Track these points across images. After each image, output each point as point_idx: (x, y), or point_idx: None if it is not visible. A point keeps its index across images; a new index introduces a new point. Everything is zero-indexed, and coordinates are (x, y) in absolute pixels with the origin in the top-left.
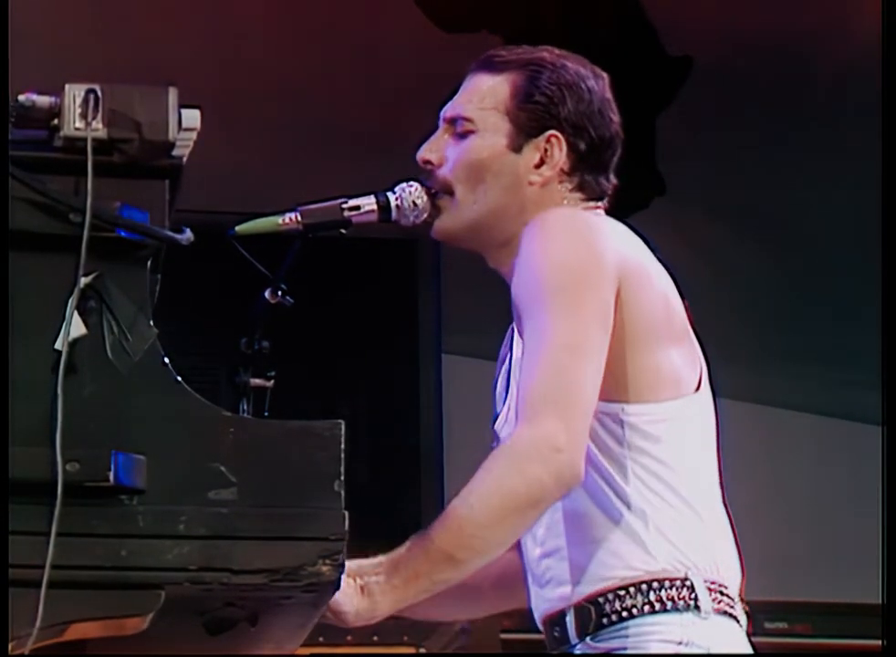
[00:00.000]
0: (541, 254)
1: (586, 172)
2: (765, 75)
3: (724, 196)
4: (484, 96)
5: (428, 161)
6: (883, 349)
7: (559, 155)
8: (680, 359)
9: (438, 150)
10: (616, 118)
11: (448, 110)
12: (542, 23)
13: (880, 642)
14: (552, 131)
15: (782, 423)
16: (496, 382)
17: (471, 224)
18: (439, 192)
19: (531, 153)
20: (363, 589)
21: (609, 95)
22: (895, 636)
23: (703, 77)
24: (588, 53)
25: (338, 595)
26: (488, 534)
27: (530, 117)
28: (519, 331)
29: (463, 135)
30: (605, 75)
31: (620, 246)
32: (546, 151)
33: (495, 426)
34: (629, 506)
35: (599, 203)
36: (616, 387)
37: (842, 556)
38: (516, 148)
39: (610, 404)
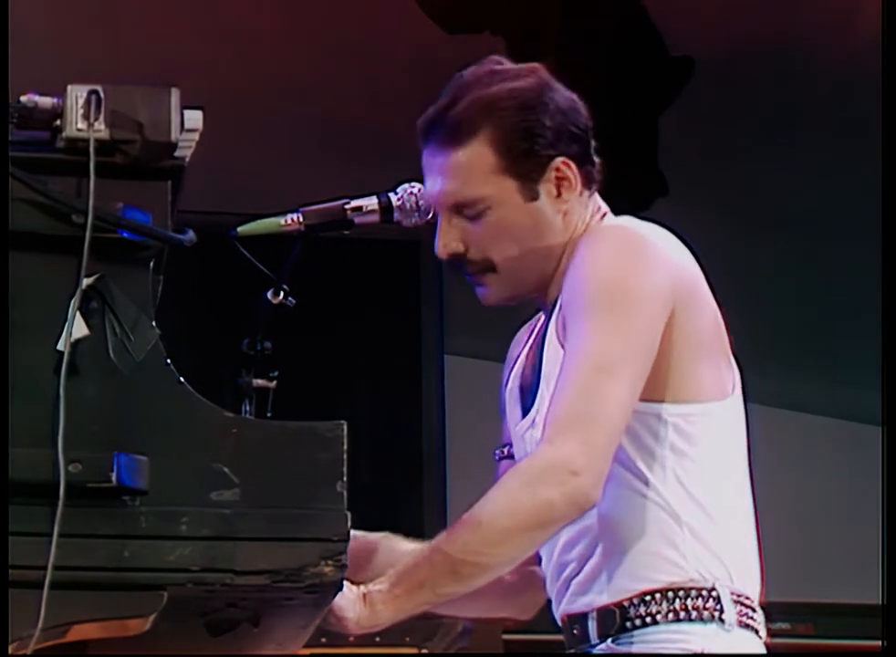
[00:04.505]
0: (591, 270)
1: (585, 166)
2: (765, 75)
3: (725, 196)
4: (471, 171)
5: (454, 254)
6: (883, 349)
7: (573, 174)
8: (724, 368)
9: (457, 238)
10: (578, 102)
11: (442, 199)
12: (543, 24)
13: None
14: (554, 162)
15: (782, 423)
16: (506, 381)
17: (524, 286)
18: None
19: (548, 191)
20: (365, 597)
21: (553, 84)
22: (895, 636)
23: (705, 77)
24: (589, 54)
25: (341, 601)
26: (494, 551)
27: (527, 164)
28: (561, 342)
29: (477, 216)
30: (537, 66)
31: (677, 264)
32: (559, 180)
33: (516, 427)
34: (665, 511)
35: (594, 187)
36: (659, 389)
37: (843, 556)
38: (533, 196)
39: (652, 404)
